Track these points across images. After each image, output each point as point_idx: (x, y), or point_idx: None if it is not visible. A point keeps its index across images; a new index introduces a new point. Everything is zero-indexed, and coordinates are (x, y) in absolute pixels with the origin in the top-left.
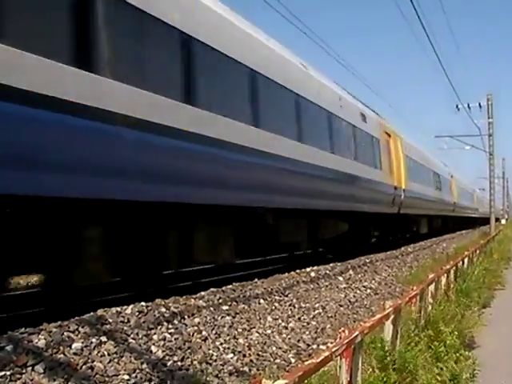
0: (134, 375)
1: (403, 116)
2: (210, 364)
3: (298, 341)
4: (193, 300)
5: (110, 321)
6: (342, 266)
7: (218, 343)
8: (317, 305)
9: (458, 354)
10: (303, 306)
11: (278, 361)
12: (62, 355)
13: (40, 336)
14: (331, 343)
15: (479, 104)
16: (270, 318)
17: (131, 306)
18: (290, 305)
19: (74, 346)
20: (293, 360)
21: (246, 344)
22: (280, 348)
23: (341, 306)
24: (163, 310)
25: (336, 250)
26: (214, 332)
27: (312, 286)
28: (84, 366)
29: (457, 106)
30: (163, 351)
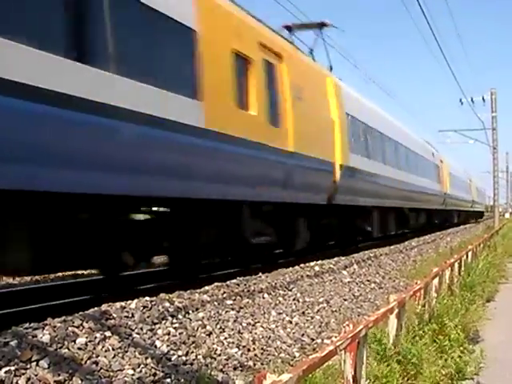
0: (138, 370)
1: (408, 110)
2: (215, 358)
3: (303, 335)
4: (197, 294)
5: (115, 316)
6: (346, 261)
7: (222, 338)
8: (321, 299)
9: (462, 348)
10: (307, 300)
11: (282, 355)
12: (66, 350)
13: (44, 331)
14: (335, 337)
15: (483, 98)
16: (274, 313)
17: (135, 301)
18: (294, 299)
19: (78, 340)
20: (297, 354)
21: (251, 338)
22: (284, 342)
23: (345, 300)
24: (167, 304)
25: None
26: (218, 326)
27: (316, 280)
28: (88, 361)
29: (460, 100)
30: (168, 346)
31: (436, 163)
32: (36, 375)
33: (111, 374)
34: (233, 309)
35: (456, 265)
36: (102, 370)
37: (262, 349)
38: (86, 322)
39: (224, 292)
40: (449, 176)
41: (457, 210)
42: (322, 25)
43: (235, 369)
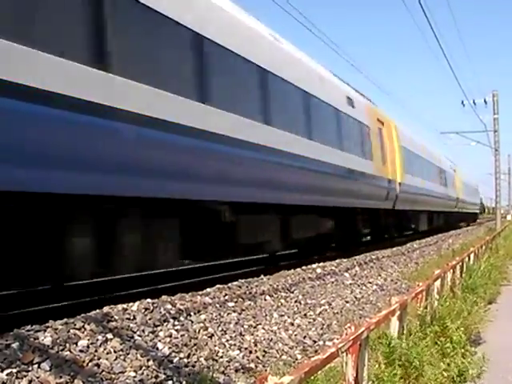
0: (140, 372)
1: (409, 112)
2: (217, 361)
3: (304, 337)
4: (199, 297)
5: (116, 318)
6: (348, 263)
7: (224, 340)
8: (323, 301)
9: (464, 350)
10: (309, 302)
11: (284, 357)
12: (68, 352)
13: (46, 333)
14: (337, 339)
15: (484, 100)
16: (276, 315)
17: (137, 303)
18: (296, 301)
19: (80, 343)
20: (299, 356)
21: (252, 341)
22: (286, 344)
23: (347, 302)
24: (169, 306)
25: None
26: (220, 329)
27: (318, 282)
28: (90, 363)
29: (462, 102)
30: (169, 348)
31: (365, 123)
32: (38, 377)
33: (113, 376)
34: (234, 311)
35: (458, 267)
36: (103, 373)
37: (263, 351)
38: (88, 324)
39: (226, 294)
40: (401, 153)
41: (425, 211)
42: None
43: (237, 371)
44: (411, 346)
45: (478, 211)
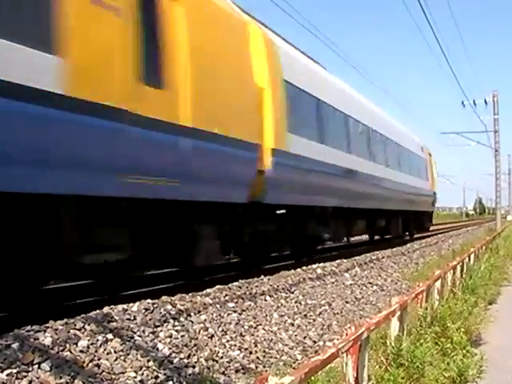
0: (140, 372)
1: (409, 112)
2: (217, 361)
3: (305, 338)
4: (199, 297)
5: (117, 318)
6: (348, 263)
7: (224, 340)
8: (323, 301)
9: (464, 351)
10: (309, 302)
11: (284, 358)
12: (68, 353)
13: (46, 334)
14: (337, 340)
15: (485, 100)
16: (276, 315)
17: (137, 304)
18: (296, 302)
19: (80, 343)
20: (299, 357)
21: (253, 341)
22: (286, 345)
23: (347, 302)
24: (169, 307)
25: None
26: (220, 329)
27: (318, 282)
28: (90, 364)
29: (462, 103)
30: (170, 348)
31: None
32: (38, 378)
33: (113, 376)
34: (235, 311)
35: (458, 267)
36: (103, 373)
37: (263, 351)
38: (88, 325)
39: (226, 295)
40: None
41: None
42: None
43: (237, 371)
44: (415, 347)
45: (431, 209)
